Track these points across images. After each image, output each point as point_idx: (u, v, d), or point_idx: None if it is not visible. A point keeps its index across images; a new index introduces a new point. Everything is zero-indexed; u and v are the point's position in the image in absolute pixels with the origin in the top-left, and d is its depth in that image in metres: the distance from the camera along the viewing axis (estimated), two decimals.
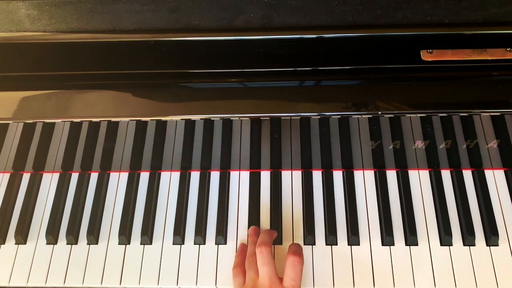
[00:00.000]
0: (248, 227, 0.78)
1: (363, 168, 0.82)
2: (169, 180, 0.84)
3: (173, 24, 0.67)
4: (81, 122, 0.73)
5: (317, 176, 0.83)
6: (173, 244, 0.78)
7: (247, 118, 0.70)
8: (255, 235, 0.75)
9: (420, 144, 0.75)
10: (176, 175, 0.84)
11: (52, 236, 0.79)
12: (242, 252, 0.75)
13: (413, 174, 0.82)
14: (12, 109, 0.67)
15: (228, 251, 0.77)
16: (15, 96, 0.68)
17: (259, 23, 0.67)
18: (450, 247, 0.75)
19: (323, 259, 0.75)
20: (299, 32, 0.67)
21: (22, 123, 0.73)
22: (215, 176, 0.84)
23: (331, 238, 0.76)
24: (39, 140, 0.77)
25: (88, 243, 0.79)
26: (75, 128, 0.75)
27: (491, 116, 0.69)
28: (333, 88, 0.67)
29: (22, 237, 0.79)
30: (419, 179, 0.81)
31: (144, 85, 0.68)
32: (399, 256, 0.75)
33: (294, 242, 0.76)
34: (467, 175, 0.81)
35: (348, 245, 0.76)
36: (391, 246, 0.76)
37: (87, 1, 0.69)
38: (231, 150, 0.80)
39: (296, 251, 0.69)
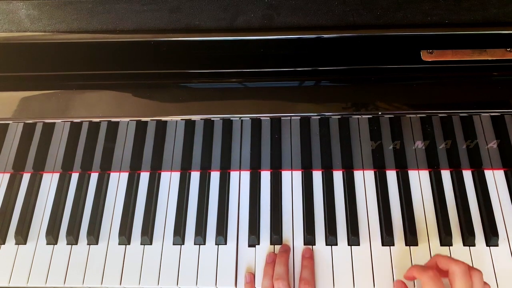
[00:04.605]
0: (249, 227, 0.78)
1: (363, 168, 0.82)
2: (169, 180, 0.84)
3: (174, 24, 0.68)
4: (81, 122, 0.73)
5: (317, 176, 0.83)
6: (173, 244, 0.78)
7: (247, 118, 0.70)
8: (271, 264, 0.74)
9: (420, 144, 0.75)
10: (176, 175, 0.84)
11: (52, 236, 0.79)
12: (252, 283, 0.75)
13: (413, 174, 0.82)
14: (12, 109, 0.67)
15: (228, 251, 0.77)
16: (15, 96, 0.68)
17: (259, 23, 0.67)
18: (450, 247, 0.75)
19: (323, 260, 0.75)
20: (299, 32, 0.67)
21: (22, 123, 0.73)
22: (215, 176, 0.84)
23: (331, 239, 0.76)
24: (39, 140, 0.77)
25: (88, 243, 0.79)
26: (75, 128, 0.75)
27: (491, 116, 0.69)
28: (333, 88, 0.67)
29: (22, 237, 0.79)
30: (419, 179, 0.81)
31: (144, 85, 0.68)
32: (399, 256, 0.75)
33: (304, 254, 0.76)
34: (467, 175, 0.81)
35: (348, 245, 0.76)
36: (391, 246, 0.76)
37: (87, 1, 0.69)
38: (231, 150, 0.80)
39: (308, 280, 0.71)
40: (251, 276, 0.75)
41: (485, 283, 0.64)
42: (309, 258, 0.74)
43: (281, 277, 0.70)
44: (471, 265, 0.73)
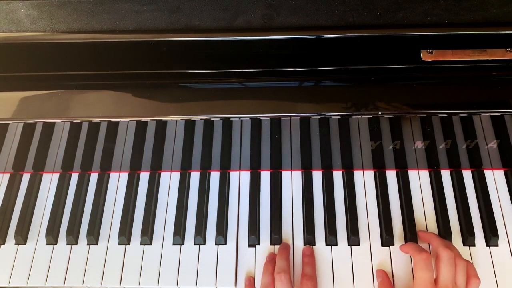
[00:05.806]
0: (249, 227, 0.78)
1: (363, 168, 0.82)
2: (169, 180, 0.84)
3: (174, 24, 0.67)
4: (81, 122, 0.73)
5: (317, 176, 0.83)
6: (173, 244, 0.78)
7: (247, 118, 0.70)
8: (271, 262, 0.74)
9: (420, 144, 0.75)
10: (176, 175, 0.84)
11: (52, 237, 0.79)
12: (252, 285, 0.75)
13: (413, 174, 0.82)
14: (12, 109, 0.67)
15: (228, 251, 0.77)
16: (15, 96, 0.68)
17: (259, 23, 0.67)
18: None
19: (323, 259, 0.75)
20: (299, 32, 0.67)
21: (22, 123, 0.73)
22: (215, 176, 0.84)
23: (331, 239, 0.76)
24: (39, 140, 0.77)
25: (88, 244, 0.79)
26: (75, 128, 0.75)
27: (491, 116, 0.69)
28: (333, 88, 0.67)
29: (22, 237, 0.79)
30: (419, 179, 0.81)
31: (144, 85, 0.68)
32: (399, 256, 0.75)
33: (305, 252, 0.76)
34: (467, 175, 0.81)
35: (348, 245, 0.76)
36: (391, 246, 0.76)
37: (87, 1, 0.69)
38: (231, 150, 0.80)
39: (310, 275, 0.71)
40: (251, 280, 0.75)
41: (475, 276, 0.67)
42: (310, 255, 0.74)
43: (283, 270, 0.70)
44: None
